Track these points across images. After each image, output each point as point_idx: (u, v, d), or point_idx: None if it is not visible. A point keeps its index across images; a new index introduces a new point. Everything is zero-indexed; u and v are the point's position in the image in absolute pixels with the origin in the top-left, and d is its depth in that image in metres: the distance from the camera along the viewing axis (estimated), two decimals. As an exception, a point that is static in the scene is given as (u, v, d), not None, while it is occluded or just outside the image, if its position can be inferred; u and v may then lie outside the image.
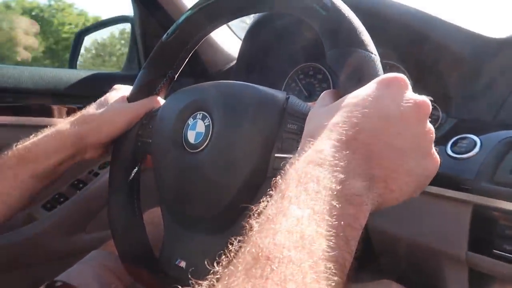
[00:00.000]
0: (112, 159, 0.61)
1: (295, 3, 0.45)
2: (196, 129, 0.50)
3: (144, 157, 0.61)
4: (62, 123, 0.56)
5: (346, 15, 0.41)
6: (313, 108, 0.37)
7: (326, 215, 0.26)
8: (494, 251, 0.49)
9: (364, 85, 0.36)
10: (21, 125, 0.86)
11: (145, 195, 0.62)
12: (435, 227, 0.55)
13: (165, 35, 0.58)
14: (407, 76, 0.71)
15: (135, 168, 0.61)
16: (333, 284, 0.23)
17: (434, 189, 0.54)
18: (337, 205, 0.26)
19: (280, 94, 0.46)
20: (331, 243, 0.25)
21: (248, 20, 0.91)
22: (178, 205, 0.52)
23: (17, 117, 0.85)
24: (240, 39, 1.04)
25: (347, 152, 0.29)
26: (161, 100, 0.61)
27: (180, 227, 0.53)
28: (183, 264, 0.52)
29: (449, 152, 0.55)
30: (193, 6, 0.55)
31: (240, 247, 0.25)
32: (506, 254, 0.48)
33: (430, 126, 0.32)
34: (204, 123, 0.49)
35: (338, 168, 0.28)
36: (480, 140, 0.53)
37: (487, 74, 0.58)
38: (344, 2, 0.45)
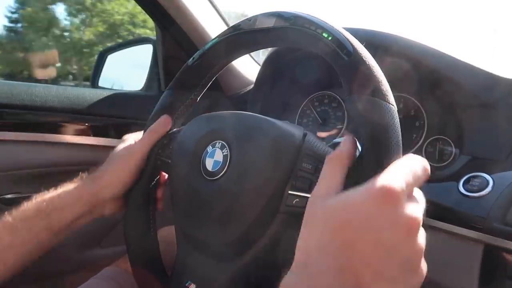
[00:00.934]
0: None
1: (318, 45, 0.46)
2: (214, 157, 0.51)
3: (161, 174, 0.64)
4: (82, 178, 0.57)
5: (368, 63, 0.42)
6: (313, 198, 0.36)
7: None
8: (505, 292, 0.49)
9: (382, 135, 0.38)
10: (48, 142, 0.89)
11: (161, 212, 0.64)
12: (445, 264, 0.55)
13: (190, 60, 0.60)
14: (420, 110, 0.72)
15: (152, 185, 0.63)
16: None
17: (446, 226, 0.55)
18: None
19: (297, 131, 0.48)
20: None
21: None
22: (192, 229, 0.54)
23: (45, 135, 0.89)
24: (259, 64, 1.07)
25: (339, 281, 0.29)
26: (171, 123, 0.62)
27: (193, 250, 0.54)
28: (193, 287, 0.54)
29: (461, 189, 0.55)
30: (220, 35, 0.57)
31: None
32: (517, 296, 0.48)
33: (419, 242, 0.31)
34: (223, 152, 0.51)
35: None
36: (493, 179, 0.54)
37: (501, 114, 0.59)
38: (359, 36, 0.47)
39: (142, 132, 0.64)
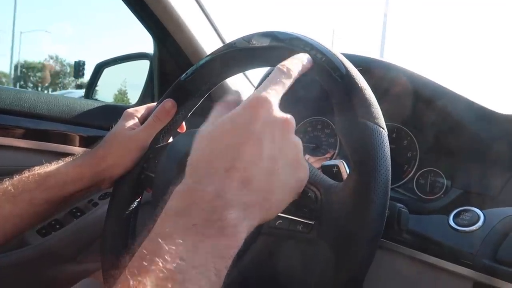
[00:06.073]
0: (114, 188, 0.61)
1: (312, 65, 0.46)
2: None
3: (145, 189, 0.61)
4: (83, 155, 0.58)
5: (360, 85, 0.42)
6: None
7: (195, 249, 0.28)
8: (493, 333, 0.47)
9: (371, 157, 0.37)
10: (34, 150, 0.88)
11: (141, 229, 0.62)
12: (433, 300, 0.53)
13: (184, 75, 0.60)
14: (413, 141, 0.71)
15: (135, 199, 0.61)
16: None
17: (434, 260, 0.53)
18: (208, 237, 0.29)
19: None
20: (199, 275, 0.27)
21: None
22: None
23: (31, 141, 0.87)
24: (253, 85, 1.07)
25: (224, 183, 0.31)
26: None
27: None
28: None
29: (451, 223, 0.53)
30: (214, 52, 0.57)
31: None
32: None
33: (295, 138, 0.36)
34: None
35: (212, 202, 0.30)
36: (484, 214, 0.52)
37: (494, 150, 0.58)
38: (355, 62, 0.46)
39: (144, 107, 0.63)
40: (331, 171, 0.46)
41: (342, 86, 0.43)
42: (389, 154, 0.39)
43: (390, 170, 0.38)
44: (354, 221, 0.37)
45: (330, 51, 0.46)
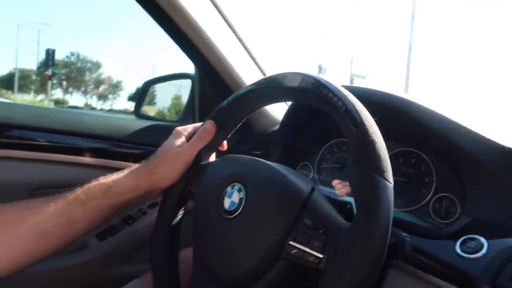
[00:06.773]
0: (162, 198, 0.71)
1: (332, 110, 0.52)
2: (232, 198, 0.57)
3: (189, 200, 0.70)
4: (138, 167, 0.69)
5: (371, 138, 0.47)
6: None
7: None
8: None
9: (374, 209, 0.43)
10: (95, 165, 1.02)
11: (183, 235, 0.71)
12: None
13: (225, 102, 0.68)
14: (430, 167, 0.75)
15: (180, 208, 0.70)
16: None
17: (439, 282, 0.58)
18: None
19: (305, 187, 0.53)
20: None
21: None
22: (205, 258, 0.60)
23: (92, 158, 1.02)
24: (287, 104, 1.14)
25: None
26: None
27: (204, 279, 0.60)
28: None
29: (458, 250, 0.59)
30: (255, 83, 0.65)
31: None
32: None
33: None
34: (239, 195, 0.57)
35: None
36: (488, 243, 0.57)
37: (504, 182, 0.62)
38: (376, 99, 0.51)
39: (192, 126, 0.72)
40: (345, 207, 0.53)
41: (356, 136, 0.48)
42: (392, 206, 0.45)
43: (391, 220, 0.44)
44: (356, 262, 0.43)
45: (349, 100, 0.51)
